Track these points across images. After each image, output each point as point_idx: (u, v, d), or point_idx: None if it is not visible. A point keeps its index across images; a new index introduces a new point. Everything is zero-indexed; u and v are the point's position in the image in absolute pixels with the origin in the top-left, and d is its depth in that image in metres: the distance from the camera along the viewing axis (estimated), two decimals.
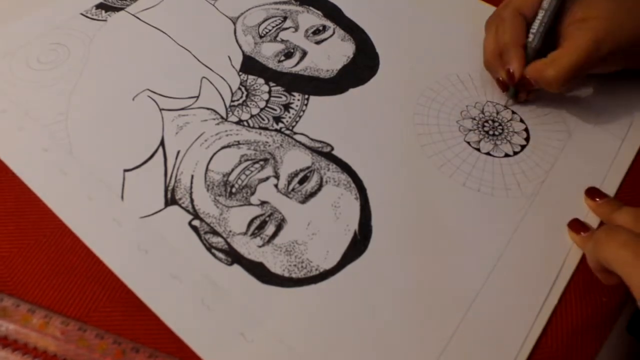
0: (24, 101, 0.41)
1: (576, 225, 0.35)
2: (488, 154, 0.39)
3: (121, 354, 0.30)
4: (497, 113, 0.42)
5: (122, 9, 0.48)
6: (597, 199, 0.36)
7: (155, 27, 0.46)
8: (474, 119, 0.41)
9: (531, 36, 0.39)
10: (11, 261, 0.34)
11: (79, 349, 0.30)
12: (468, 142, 0.40)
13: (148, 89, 0.42)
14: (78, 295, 0.33)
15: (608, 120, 0.42)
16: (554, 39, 0.39)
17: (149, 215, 0.35)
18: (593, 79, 0.43)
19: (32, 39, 0.45)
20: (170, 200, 0.36)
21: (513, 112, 0.42)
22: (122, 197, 0.36)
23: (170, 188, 0.37)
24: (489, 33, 0.41)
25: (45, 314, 0.31)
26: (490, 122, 0.41)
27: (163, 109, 0.41)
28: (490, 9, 0.48)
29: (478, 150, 0.40)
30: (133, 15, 0.47)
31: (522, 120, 0.41)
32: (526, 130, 0.41)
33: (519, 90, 0.41)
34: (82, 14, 0.47)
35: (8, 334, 0.31)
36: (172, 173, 0.37)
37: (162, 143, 0.39)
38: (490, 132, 0.41)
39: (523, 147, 0.40)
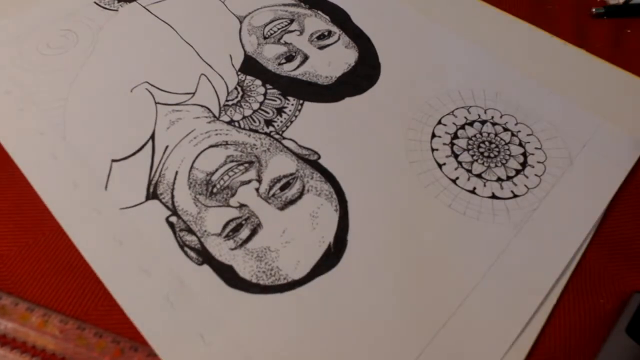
0: (29, 84, 0.42)
1: None
2: (479, 176, 0.38)
3: (120, 353, 0.30)
4: (496, 135, 0.40)
5: (134, 0, 0.48)
6: None
7: (163, 21, 0.47)
8: (471, 138, 0.40)
9: None
10: (10, 260, 0.34)
11: (77, 347, 0.30)
12: (460, 163, 0.39)
13: (147, 82, 0.42)
14: (77, 293, 0.33)
15: (615, 151, 0.40)
16: None
17: (128, 207, 0.36)
18: (601, 111, 0.41)
19: (45, 24, 0.46)
20: (152, 194, 0.36)
21: (512, 135, 0.40)
22: (106, 186, 0.37)
23: (153, 182, 0.37)
24: None
25: (43, 313, 0.32)
26: (487, 143, 0.40)
27: (158, 103, 0.41)
28: (505, 26, 0.47)
29: (469, 171, 0.38)
30: (144, 7, 0.48)
31: (520, 144, 0.40)
32: (524, 154, 0.39)
33: None
34: (95, 3, 0.48)
35: (7, 332, 0.31)
36: (157, 167, 0.38)
37: (152, 137, 0.39)
38: (486, 154, 0.39)
39: (518, 171, 0.38)
